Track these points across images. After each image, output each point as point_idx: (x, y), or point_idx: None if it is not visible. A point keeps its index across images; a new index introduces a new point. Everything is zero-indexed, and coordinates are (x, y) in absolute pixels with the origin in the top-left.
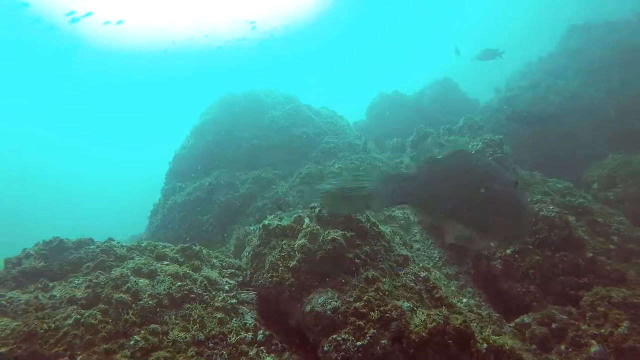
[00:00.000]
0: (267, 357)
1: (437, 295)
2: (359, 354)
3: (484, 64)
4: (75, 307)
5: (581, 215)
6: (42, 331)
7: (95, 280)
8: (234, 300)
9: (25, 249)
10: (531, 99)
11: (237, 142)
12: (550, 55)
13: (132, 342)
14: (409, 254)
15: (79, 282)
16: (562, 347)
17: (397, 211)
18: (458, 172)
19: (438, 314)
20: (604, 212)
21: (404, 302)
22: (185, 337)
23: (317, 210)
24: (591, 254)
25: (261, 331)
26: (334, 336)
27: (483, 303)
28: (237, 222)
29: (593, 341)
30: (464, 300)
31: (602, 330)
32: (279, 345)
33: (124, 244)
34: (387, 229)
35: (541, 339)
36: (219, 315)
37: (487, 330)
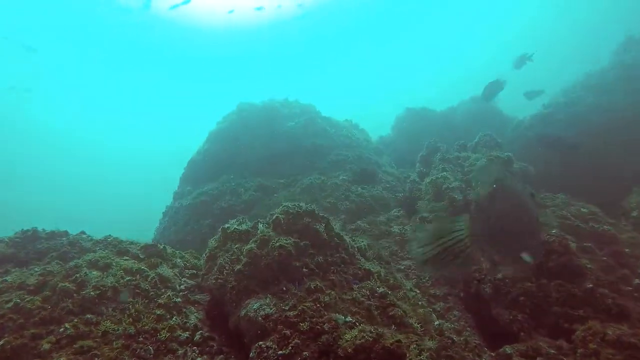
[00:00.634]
0: (198, 358)
1: (391, 313)
2: None
3: (544, 77)
4: (22, 292)
5: (604, 244)
6: None
7: (50, 269)
8: (179, 299)
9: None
10: (566, 117)
11: (248, 150)
12: (599, 71)
13: (61, 329)
14: (379, 269)
15: (38, 270)
16: None
17: (394, 227)
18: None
19: (371, 332)
20: (636, 242)
21: (342, 316)
22: (117, 330)
23: (274, 216)
24: (591, 285)
25: (200, 332)
26: (260, 343)
27: (468, 328)
28: None
29: None
30: (437, 322)
31: None
32: (215, 348)
33: (92, 238)
34: (363, 242)
35: None
36: (158, 312)
37: (424, 354)
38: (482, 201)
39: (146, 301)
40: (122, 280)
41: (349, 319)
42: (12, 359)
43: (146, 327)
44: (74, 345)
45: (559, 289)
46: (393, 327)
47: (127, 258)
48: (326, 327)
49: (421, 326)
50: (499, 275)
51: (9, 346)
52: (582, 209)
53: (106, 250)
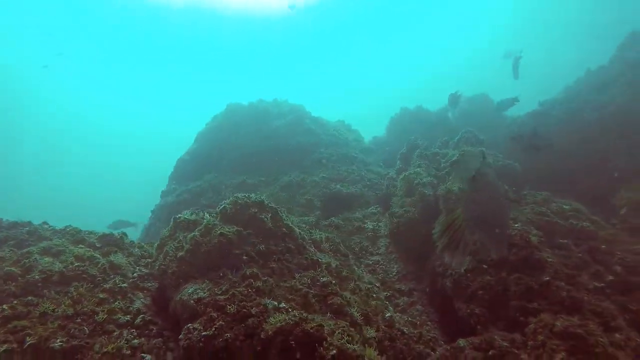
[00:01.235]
0: (135, 340)
1: (330, 302)
2: (201, 343)
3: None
4: None
5: (582, 240)
6: None
7: (1, 255)
8: (125, 285)
9: None
10: (562, 115)
11: (234, 149)
12: (600, 68)
13: None
14: (330, 261)
15: None
16: None
17: (369, 223)
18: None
19: (295, 316)
20: (615, 240)
21: (275, 302)
22: (56, 311)
23: (222, 206)
24: (548, 278)
25: (142, 316)
26: (189, 324)
27: (429, 323)
28: None
29: None
30: (388, 314)
31: None
32: (154, 331)
33: (52, 228)
34: (320, 235)
35: None
36: (101, 295)
37: (356, 339)
38: (464, 189)
39: (91, 286)
40: (70, 266)
41: (282, 305)
42: None
43: (85, 310)
44: (8, 325)
45: (518, 282)
46: (328, 314)
47: (82, 246)
48: (254, 310)
49: (365, 317)
50: (461, 270)
51: None
52: (564, 206)
53: (63, 239)
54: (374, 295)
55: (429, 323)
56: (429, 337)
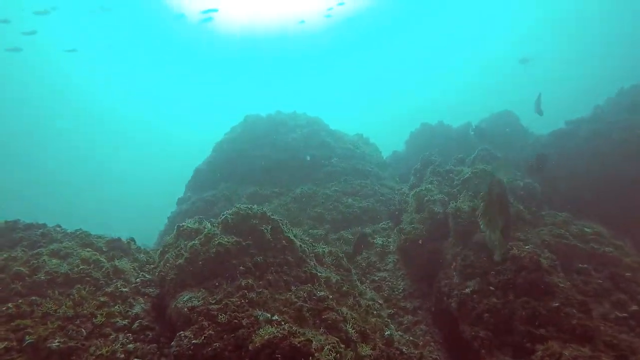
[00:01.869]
0: (130, 344)
1: (324, 316)
2: (190, 351)
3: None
4: None
5: (604, 266)
6: None
7: (14, 255)
8: (126, 289)
9: None
10: (588, 134)
11: (250, 160)
12: (633, 87)
13: (3, 308)
14: (331, 275)
15: (5, 256)
16: None
17: (378, 239)
18: None
19: (284, 329)
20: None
21: (268, 314)
22: (57, 311)
23: (224, 216)
24: (557, 304)
25: (140, 321)
26: (181, 332)
27: (432, 343)
28: None
29: None
30: (387, 332)
31: None
32: (150, 337)
33: (64, 230)
34: (323, 249)
35: None
36: (102, 299)
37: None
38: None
39: (93, 289)
40: (76, 269)
41: (275, 317)
42: None
43: (85, 312)
44: (11, 323)
45: (525, 307)
46: (321, 329)
47: (90, 250)
48: (244, 322)
49: (362, 334)
50: (467, 290)
51: None
52: (585, 229)
53: (72, 242)
54: (374, 312)
55: (432, 344)
56: (431, 359)
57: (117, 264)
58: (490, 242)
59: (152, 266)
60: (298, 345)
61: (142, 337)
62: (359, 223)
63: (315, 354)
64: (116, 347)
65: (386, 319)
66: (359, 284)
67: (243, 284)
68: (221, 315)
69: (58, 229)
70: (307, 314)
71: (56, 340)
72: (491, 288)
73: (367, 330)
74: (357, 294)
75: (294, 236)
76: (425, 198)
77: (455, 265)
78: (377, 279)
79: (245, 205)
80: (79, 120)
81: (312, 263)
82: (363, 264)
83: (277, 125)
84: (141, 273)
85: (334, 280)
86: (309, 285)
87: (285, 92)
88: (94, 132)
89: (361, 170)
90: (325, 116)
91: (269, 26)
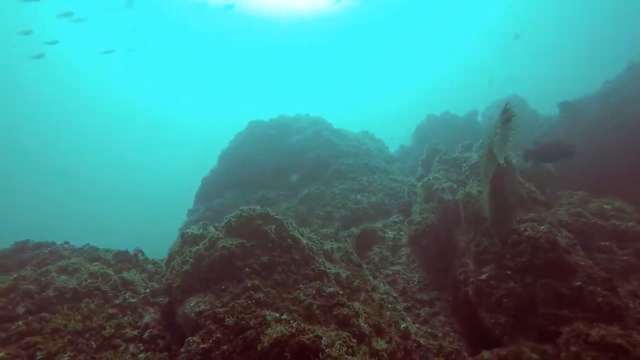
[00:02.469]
0: (141, 354)
1: (335, 313)
2: (199, 356)
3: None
4: None
5: (628, 243)
6: None
7: (23, 274)
8: (135, 300)
9: None
10: (600, 109)
11: (255, 165)
12: None
13: (14, 327)
14: (340, 271)
15: (15, 276)
16: None
17: (389, 232)
18: None
19: (292, 327)
20: None
21: (276, 313)
22: (66, 326)
23: (227, 219)
24: (579, 283)
25: (150, 330)
26: (190, 337)
27: (452, 334)
28: None
29: None
30: (403, 325)
31: None
32: (160, 345)
33: (72, 247)
34: (331, 245)
35: None
36: (111, 311)
37: (362, 350)
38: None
39: (102, 301)
40: (84, 283)
41: (284, 316)
42: None
43: (94, 325)
44: (22, 341)
45: (545, 288)
46: (332, 325)
47: (97, 264)
48: (252, 322)
49: (376, 328)
50: (483, 277)
51: None
52: (604, 206)
53: (80, 257)
54: (389, 305)
55: (452, 334)
56: (451, 349)
57: (124, 275)
58: (483, 201)
59: (161, 275)
60: (307, 342)
61: (152, 346)
62: (369, 218)
63: (326, 350)
64: (126, 357)
65: (402, 312)
66: (371, 279)
67: (249, 285)
68: (228, 317)
69: (66, 245)
70: (317, 311)
71: (66, 355)
72: (508, 272)
73: (382, 324)
74: (369, 289)
75: (300, 234)
76: (434, 187)
77: (470, 252)
78: (390, 272)
79: (247, 207)
80: (108, 121)
81: (320, 260)
82: (376, 259)
83: (280, 129)
84: (150, 283)
85: (344, 276)
86: (318, 282)
87: (293, 86)
88: (125, 133)
89: (368, 166)
90: (333, 109)
91: (284, 15)
